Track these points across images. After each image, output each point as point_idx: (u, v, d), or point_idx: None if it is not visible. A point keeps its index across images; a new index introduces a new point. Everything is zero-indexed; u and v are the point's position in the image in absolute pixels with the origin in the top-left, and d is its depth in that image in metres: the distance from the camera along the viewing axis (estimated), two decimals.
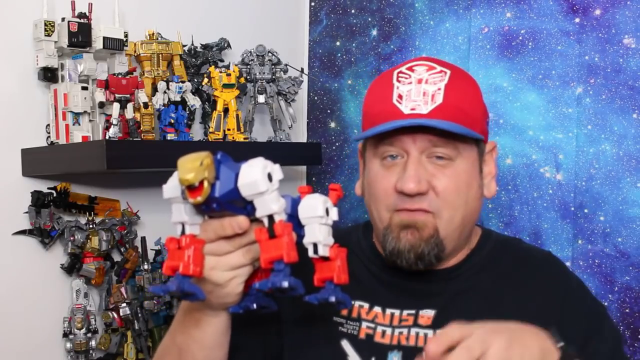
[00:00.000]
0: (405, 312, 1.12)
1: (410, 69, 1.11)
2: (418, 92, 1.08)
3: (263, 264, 0.86)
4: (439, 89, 1.07)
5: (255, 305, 0.94)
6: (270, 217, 0.86)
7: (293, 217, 0.89)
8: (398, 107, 1.07)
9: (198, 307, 0.99)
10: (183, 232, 0.88)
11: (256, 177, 0.83)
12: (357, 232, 1.26)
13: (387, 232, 1.10)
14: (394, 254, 1.09)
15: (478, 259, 1.17)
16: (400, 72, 1.12)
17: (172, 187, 0.86)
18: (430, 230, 1.08)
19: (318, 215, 0.88)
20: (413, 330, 1.09)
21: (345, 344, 1.12)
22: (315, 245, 0.88)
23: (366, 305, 1.14)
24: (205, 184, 0.80)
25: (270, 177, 0.85)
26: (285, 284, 0.83)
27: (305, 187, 0.94)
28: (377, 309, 1.14)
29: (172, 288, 0.84)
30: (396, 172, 1.09)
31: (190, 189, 0.81)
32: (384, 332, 1.11)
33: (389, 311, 1.13)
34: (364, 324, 1.12)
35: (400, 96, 1.08)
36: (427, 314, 1.11)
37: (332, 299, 0.89)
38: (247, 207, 0.87)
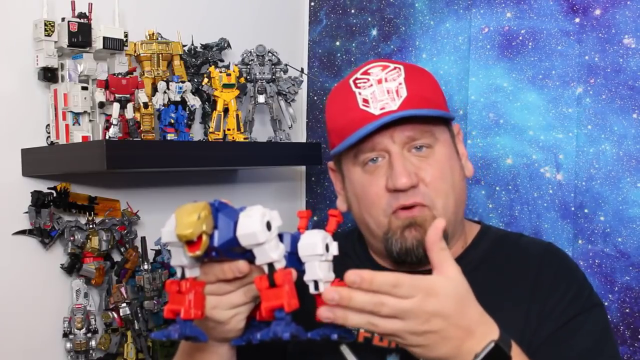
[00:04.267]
0: None
1: (366, 72, 1.13)
2: (382, 91, 1.09)
3: (264, 313, 0.86)
4: (400, 84, 1.10)
5: (258, 337, 0.94)
6: (271, 265, 0.86)
7: (293, 255, 0.89)
8: (367, 111, 1.09)
9: None
10: (183, 275, 0.88)
11: (255, 228, 0.83)
12: (353, 237, 1.26)
13: (389, 235, 1.10)
14: (402, 253, 1.10)
15: (474, 256, 1.18)
16: (357, 78, 1.13)
17: (170, 231, 0.85)
18: (431, 222, 1.08)
19: (318, 253, 0.88)
20: None
21: (344, 349, 1.12)
22: (316, 282, 0.88)
23: None
24: (204, 237, 0.80)
25: (269, 226, 0.84)
26: (287, 336, 0.83)
27: (305, 212, 0.95)
28: None
29: (174, 335, 0.85)
30: (382, 174, 1.10)
31: (189, 243, 0.81)
32: (382, 336, 1.11)
33: None
34: (362, 328, 1.12)
35: (365, 100, 1.10)
36: None
37: (334, 336, 0.90)
38: (246, 253, 0.87)
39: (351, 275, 0.83)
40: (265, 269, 0.86)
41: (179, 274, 0.89)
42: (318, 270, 0.87)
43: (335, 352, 1.12)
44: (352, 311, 0.84)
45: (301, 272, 0.89)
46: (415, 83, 1.11)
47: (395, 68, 1.12)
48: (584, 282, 1.16)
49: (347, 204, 1.19)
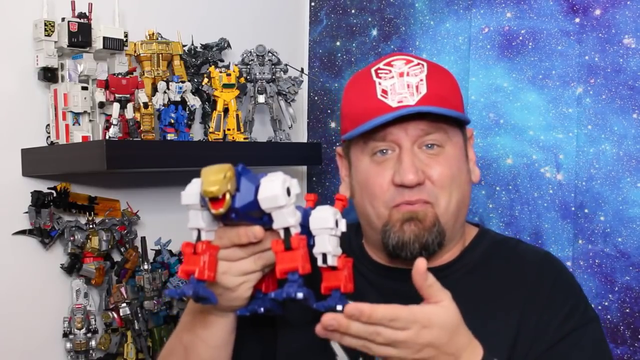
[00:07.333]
0: None
1: (389, 64, 1.13)
2: (402, 85, 1.09)
3: (278, 274, 0.89)
4: (421, 80, 1.09)
5: (262, 309, 0.98)
6: (287, 230, 0.89)
7: (303, 227, 0.91)
8: (385, 102, 1.09)
9: (206, 308, 1.00)
10: (199, 238, 0.92)
11: (276, 191, 0.87)
12: (350, 233, 1.25)
13: (388, 227, 1.10)
14: (398, 247, 1.09)
15: (470, 259, 1.17)
16: (379, 68, 1.13)
17: (190, 194, 0.90)
18: (431, 219, 1.09)
19: (329, 227, 0.91)
20: None
21: (334, 344, 1.12)
22: (324, 255, 0.91)
23: None
24: (228, 196, 0.84)
25: (288, 192, 0.88)
26: (300, 296, 0.87)
27: (312, 195, 0.98)
28: None
29: (189, 292, 0.88)
30: (390, 167, 1.10)
31: (213, 200, 0.85)
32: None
33: None
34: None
35: (384, 91, 1.09)
36: None
37: (339, 307, 0.92)
38: (263, 218, 0.90)
39: (351, 309, 0.85)
40: (282, 233, 0.90)
41: (194, 237, 0.92)
42: (327, 243, 0.90)
43: (325, 347, 1.12)
44: (348, 335, 0.87)
45: (310, 246, 0.92)
46: (436, 82, 1.11)
47: (418, 64, 1.12)
48: (580, 295, 1.14)
49: (351, 191, 1.20)
